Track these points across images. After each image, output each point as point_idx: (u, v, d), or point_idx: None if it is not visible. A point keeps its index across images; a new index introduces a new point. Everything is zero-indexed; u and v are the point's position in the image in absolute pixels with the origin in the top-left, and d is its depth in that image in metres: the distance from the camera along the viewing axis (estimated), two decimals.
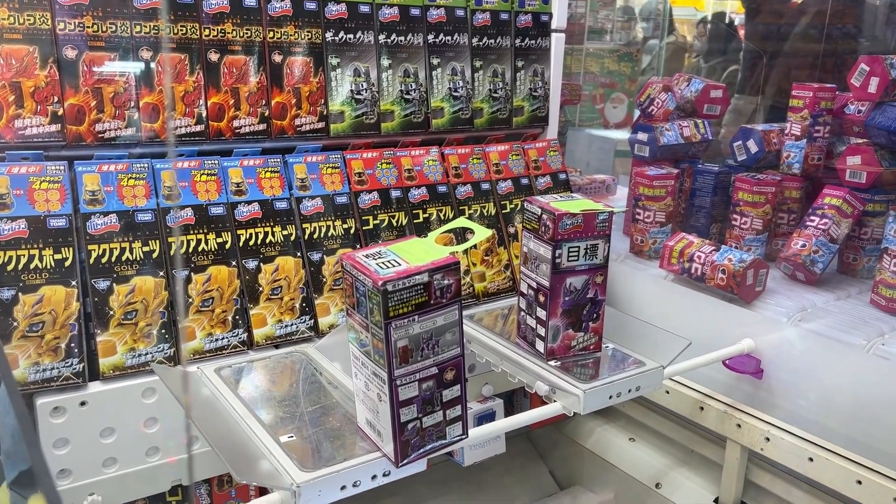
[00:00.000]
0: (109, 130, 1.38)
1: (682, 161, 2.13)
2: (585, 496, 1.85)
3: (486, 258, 1.77)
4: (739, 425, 1.61)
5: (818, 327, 1.57)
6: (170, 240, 1.38)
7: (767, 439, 1.56)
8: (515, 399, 1.99)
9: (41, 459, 0.60)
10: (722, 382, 1.71)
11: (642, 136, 2.08)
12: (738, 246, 1.88)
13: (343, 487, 1.07)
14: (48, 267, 1.27)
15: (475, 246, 1.75)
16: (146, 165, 1.39)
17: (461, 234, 1.66)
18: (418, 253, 1.09)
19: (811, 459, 1.48)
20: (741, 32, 3.88)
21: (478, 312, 1.68)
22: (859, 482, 1.41)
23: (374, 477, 1.10)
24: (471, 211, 1.77)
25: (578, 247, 1.37)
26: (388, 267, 1.04)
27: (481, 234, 1.20)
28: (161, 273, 1.36)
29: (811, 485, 1.56)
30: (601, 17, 4.59)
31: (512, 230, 1.82)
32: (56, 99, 1.33)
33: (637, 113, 2.26)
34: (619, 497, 1.89)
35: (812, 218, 1.80)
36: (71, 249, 1.29)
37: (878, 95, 1.74)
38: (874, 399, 1.45)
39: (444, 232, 1.47)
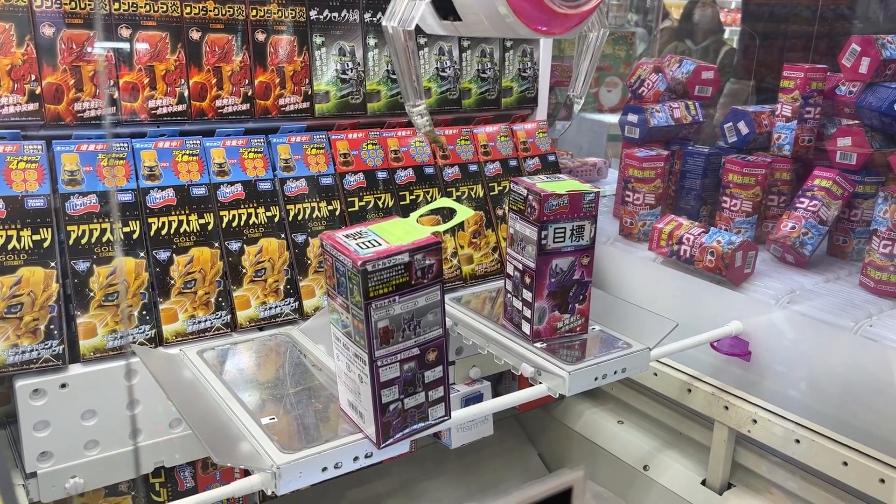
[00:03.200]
0: (89, 110, 1.36)
1: (673, 143, 2.11)
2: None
3: (473, 240, 1.76)
4: (727, 407, 1.61)
5: (807, 309, 1.57)
6: (150, 221, 1.36)
7: (755, 421, 1.55)
8: (503, 382, 1.99)
9: None
10: (710, 365, 1.70)
11: (633, 117, 2.07)
12: (727, 228, 1.87)
13: (324, 469, 1.07)
14: (26, 248, 1.25)
15: (461, 227, 1.74)
16: (126, 145, 1.37)
17: (449, 216, 1.65)
18: (399, 233, 1.08)
19: (798, 441, 1.48)
20: (724, 15, 3.86)
21: (465, 295, 1.67)
22: (845, 463, 1.40)
23: (355, 458, 1.09)
24: (458, 193, 1.76)
25: (564, 228, 1.36)
26: (368, 247, 1.03)
27: (463, 213, 1.18)
28: (141, 254, 1.35)
29: (798, 466, 1.56)
30: None
31: (500, 212, 1.81)
32: (34, 77, 1.31)
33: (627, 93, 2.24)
34: (607, 479, 1.88)
35: (802, 200, 1.79)
36: (49, 230, 1.27)
37: (870, 76, 1.72)
38: (862, 381, 1.44)
39: (430, 212, 1.46)
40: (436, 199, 1.70)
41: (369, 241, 1.04)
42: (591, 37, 1.23)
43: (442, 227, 1.12)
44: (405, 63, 1.10)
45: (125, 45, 1.38)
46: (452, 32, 1.16)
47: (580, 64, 1.20)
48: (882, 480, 1.35)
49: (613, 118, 3.80)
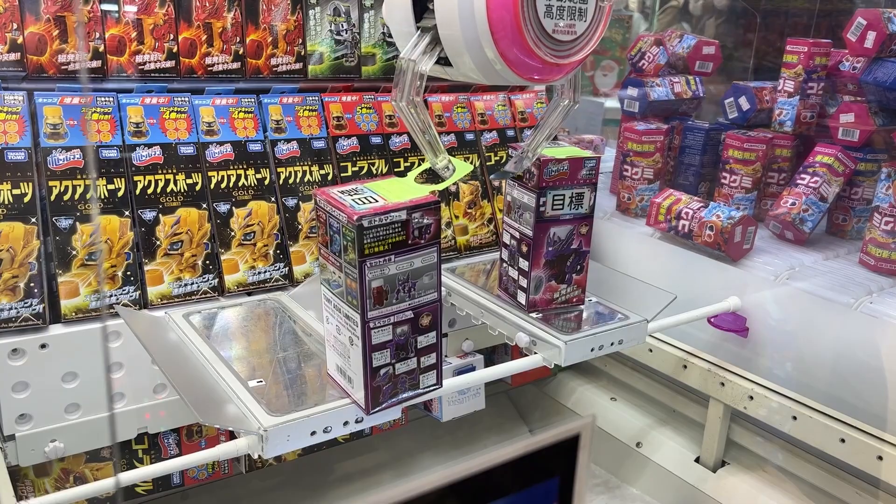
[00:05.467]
0: (73, 63, 1.31)
1: (673, 118, 2.08)
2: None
3: (469, 211, 1.72)
4: (723, 384, 1.58)
5: (806, 286, 1.54)
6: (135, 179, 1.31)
7: (751, 398, 1.53)
8: (496, 356, 1.95)
9: None
10: (706, 341, 1.68)
11: (632, 91, 2.03)
12: (726, 204, 1.84)
13: (313, 433, 1.03)
14: (6, 202, 1.20)
15: (456, 196, 1.70)
16: (111, 99, 1.32)
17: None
18: (397, 191, 1.04)
19: (794, 418, 1.46)
20: None
21: (459, 266, 1.63)
22: (843, 440, 1.38)
23: (345, 423, 1.06)
24: None
25: (563, 195, 1.32)
26: (364, 203, 0.99)
27: (462, 168, 1.14)
28: (126, 213, 1.30)
29: (793, 444, 1.54)
30: None
31: (496, 183, 1.77)
32: (16, 26, 1.25)
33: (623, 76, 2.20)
34: (599, 456, 1.86)
35: (803, 176, 1.76)
36: (30, 185, 1.22)
37: (875, 51, 1.69)
38: (861, 357, 1.42)
39: (425, 174, 1.42)
40: None
41: (366, 198, 1.00)
42: (560, 105, 1.22)
43: (440, 186, 1.08)
44: (418, 131, 1.09)
45: None
46: (443, 75, 1.15)
47: (542, 127, 1.21)
48: (880, 457, 1.33)
49: (609, 102, 3.76)
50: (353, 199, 1.00)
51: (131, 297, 1.29)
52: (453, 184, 1.42)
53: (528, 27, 1.02)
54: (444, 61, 1.11)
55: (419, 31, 1.10)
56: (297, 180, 1.49)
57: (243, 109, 1.45)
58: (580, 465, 0.54)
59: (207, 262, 1.37)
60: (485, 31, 1.02)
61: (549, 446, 0.49)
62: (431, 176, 1.60)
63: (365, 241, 0.96)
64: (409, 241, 1.01)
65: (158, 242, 1.32)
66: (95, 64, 1.33)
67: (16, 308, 1.19)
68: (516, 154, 1.28)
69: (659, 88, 2.02)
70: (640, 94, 2.01)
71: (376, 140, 1.60)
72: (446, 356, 1.66)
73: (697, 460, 1.68)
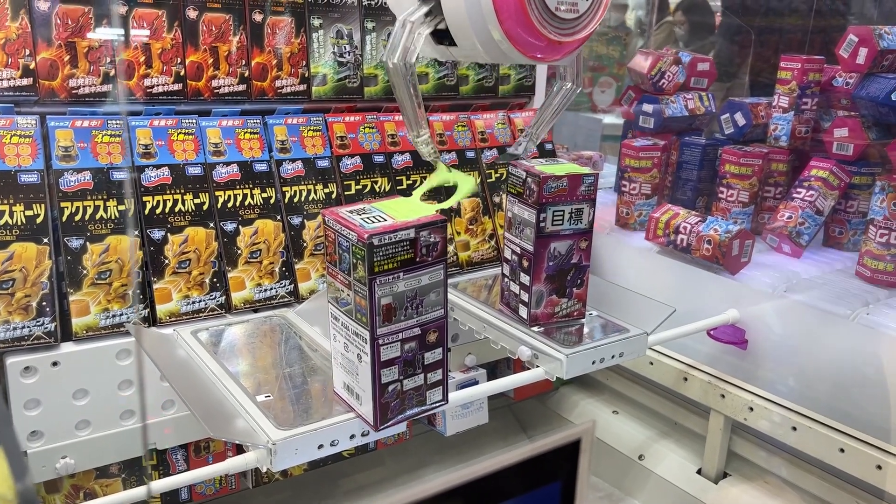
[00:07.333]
0: (84, 87, 1.34)
1: (683, 134, 2.10)
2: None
3: (470, 227, 1.75)
4: (723, 396, 1.60)
5: (804, 298, 1.56)
6: (145, 199, 1.34)
7: (751, 409, 1.55)
8: (499, 370, 1.97)
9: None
10: (706, 354, 1.70)
11: (647, 107, 2.06)
12: (724, 219, 1.87)
13: (321, 446, 1.05)
14: (19, 223, 1.23)
15: (458, 213, 1.72)
16: (122, 122, 1.35)
17: (448, 197, 1.64)
18: (404, 210, 1.07)
19: (794, 429, 1.48)
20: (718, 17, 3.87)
21: (461, 282, 1.66)
22: (842, 450, 1.40)
23: (352, 437, 1.08)
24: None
25: (563, 210, 1.35)
26: (373, 222, 1.02)
27: (466, 184, 1.17)
28: (136, 233, 1.33)
29: (794, 454, 1.56)
30: None
31: (497, 199, 1.80)
32: (28, 52, 1.29)
33: (621, 93, 2.23)
34: (602, 469, 1.88)
35: (798, 190, 1.79)
36: (43, 206, 1.25)
37: (867, 67, 1.72)
38: (859, 368, 1.44)
39: (429, 192, 1.45)
40: None
41: (374, 217, 1.03)
42: (564, 88, 1.26)
43: (445, 205, 1.11)
44: (406, 96, 1.12)
45: (121, 23, 1.36)
46: (447, 57, 1.18)
47: (546, 109, 1.24)
48: (879, 467, 1.35)
49: (608, 118, 3.79)
50: (361, 219, 1.03)
51: (141, 315, 1.32)
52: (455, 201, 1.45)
53: (532, 6, 1.05)
54: (446, 40, 1.13)
55: (420, 2, 1.13)
56: (302, 199, 1.52)
57: (249, 130, 1.48)
58: (581, 470, 0.56)
59: (215, 279, 1.40)
60: (490, 12, 1.04)
61: (551, 451, 0.51)
62: (434, 194, 1.63)
63: (375, 259, 0.99)
64: (417, 259, 1.03)
65: (167, 261, 1.35)
66: (106, 87, 1.36)
67: (28, 326, 1.22)
68: (521, 137, 1.30)
69: (673, 105, 2.05)
70: (655, 111, 2.04)
71: (379, 159, 1.64)
72: (449, 371, 1.68)
73: (699, 472, 1.70)
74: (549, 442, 0.53)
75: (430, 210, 1.06)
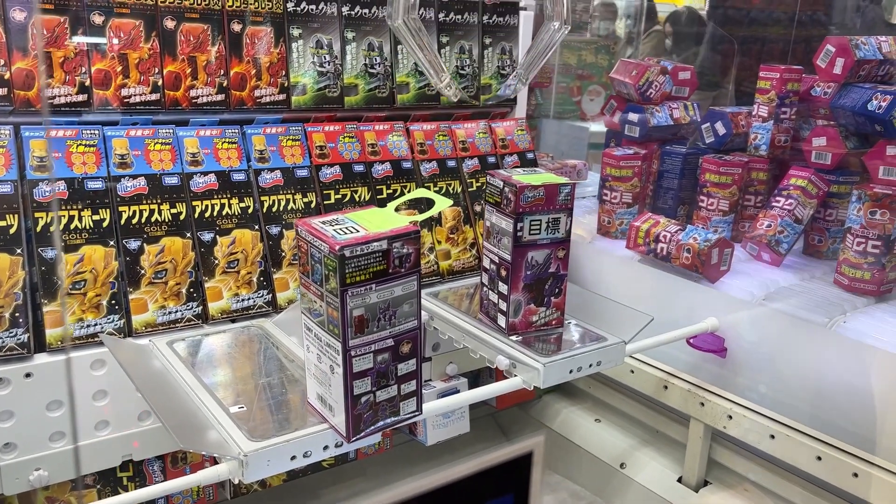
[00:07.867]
0: (59, 96, 1.34)
1: (667, 143, 2.11)
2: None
3: (451, 236, 1.75)
4: (703, 404, 1.61)
5: (782, 306, 1.57)
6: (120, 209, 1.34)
7: (730, 417, 1.55)
8: (481, 379, 1.97)
9: None
10: (686, 362, 1.70)
11: (633, 116, 2.06)
12: (704, 227, 1.88)
13: (293, 458, 1.05)
14: None
15: (439, 222, 1.73)
16: (97, 132, 1.35)
17: (427, 208, 1.64)
18: (377, 221, 1.07)
19: (773, 437, 1.48)
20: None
21: (442, 290, 1.66)
22: (819, 458, 1.41)
23: (325, 448, 1.07)
24: (436, 188, 1.75)
25: (540, 220, 1.35)
26: (346, 233, 1.02)
27: (441, 203, 1.17)
28: (111, 242, 1.32)
29: (772, 462, 1.56)
30: (579, 9, 4.55)
31: (478, 208, 1.80)
32: (3, 63, 1.28)
33: (605, 101, 2.23)
34: (584, 478, 1.87)
35: (778, 199, 1.80)
36: (16, 216, 1.25)
37: (844, 76, 1.73)
38: (835, 376, 1.45)
39: (407, 204, 1.45)
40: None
41: (347, 228, 1.03)
42: (552, 27, 1.26)
43: (420, 217, 1.11)
44: (419, 51, 1.12)
45: (98, 32, 1.36)
46: None
47: (535, 47, 1.25)
48: (855, 475, 1.36)
49: (595, 126, 3.80)
50: (334, 230, 1.02)
51: (116, 325, 1.31)
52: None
53: None
54: None
55: None
56: (281, 208, 1.52)
57: (227, 140, 1.48)
58: (534, 483, 0.56)
59: (191, 290, 1.39)
60: None
61: (502, 464, 0.51)
62: (413, 204, 1.63)
63: (346, 271, 0.98)
64: (390, 270, 1.03)
65: (143, 271, 1.35)
66: (81, 97, 1.36)
67: (1, 338, 1.21)
68: (511, 78, 1.29)
69: (659, 114, 2.06)
70: (640, 120, 2.05)
71: (359, 168, 1.64)
72: (430, 380, 1.68)
73: (680, 480, 1.70)
74: (500, 455, 0.53)
75: (403, 221, 1.06)
